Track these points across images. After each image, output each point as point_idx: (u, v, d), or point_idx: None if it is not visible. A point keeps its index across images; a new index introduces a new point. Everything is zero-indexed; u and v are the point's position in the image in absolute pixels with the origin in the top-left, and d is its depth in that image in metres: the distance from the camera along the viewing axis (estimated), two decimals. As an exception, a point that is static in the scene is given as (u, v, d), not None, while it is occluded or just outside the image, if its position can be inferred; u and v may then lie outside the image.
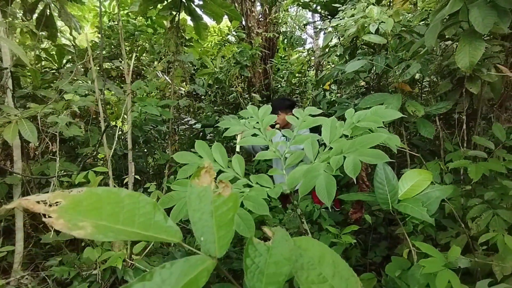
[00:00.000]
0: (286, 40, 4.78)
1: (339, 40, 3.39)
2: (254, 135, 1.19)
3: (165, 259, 2.31)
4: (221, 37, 4.63)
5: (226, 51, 4.35)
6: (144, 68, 4.75)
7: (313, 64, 7.16)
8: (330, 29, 4.18)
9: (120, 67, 4.38)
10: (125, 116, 2.34)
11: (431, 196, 0.92)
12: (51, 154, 3.01)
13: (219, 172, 1.09)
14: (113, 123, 5.12)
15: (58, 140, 2.06)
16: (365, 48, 2.94)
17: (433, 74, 2.54)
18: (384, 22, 1.81)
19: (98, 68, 3.11)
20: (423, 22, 2.71)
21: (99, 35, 4.96)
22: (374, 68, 2.69)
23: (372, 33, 1.92)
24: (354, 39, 2.70)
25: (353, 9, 2.48)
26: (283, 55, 5.91)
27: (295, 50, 5.91)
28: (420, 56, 1.78)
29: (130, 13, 4.36)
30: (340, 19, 2.22)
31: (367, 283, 1.56)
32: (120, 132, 4.42)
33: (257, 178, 1.05)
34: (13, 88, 1.66)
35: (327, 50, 3.41)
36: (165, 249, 2.62)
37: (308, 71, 6.55)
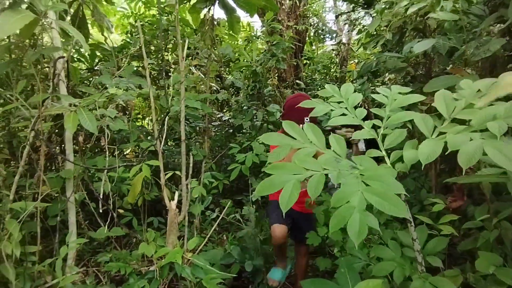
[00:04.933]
0: (316, 32, 4.65)
1: (375, 27, 3.23)
2: (343, 114, 1.08)
3: (206, 255, 2.22)
4: (249, 32, 4.55)
5: (253, 46, 4.26)
6: (173, 66, 4.72)
7: (337, 59, 6.99)
8: (363, 20, 4.02)
9: (148, 66, 4.36)
10: (167, 110, 2.27)
11: None
12: (97, 150, 2.99)
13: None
14: (139, 123, 5.12)
15: (106, 133, 2.01)
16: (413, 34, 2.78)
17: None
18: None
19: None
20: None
21: (128, 35, 4.98)
22: (427, 52, 2.52)
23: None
24: (403, 24, 2.55)
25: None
26: (309, 50, 5.78)
27: (321, 44, 5.77)
28: (501, 31, 1.62)
29: (159, 10, 4.34)
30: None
31: (452, 280, 1.41)
32: (151, 130, 4.40)
33: (359, 160, 0.93)
34: (68, 78, 1.61)
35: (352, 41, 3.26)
36: (209, 246, 2.54)
37: (334, 65, 6.39)
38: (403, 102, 1.07)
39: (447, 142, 0.71)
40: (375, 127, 1.10)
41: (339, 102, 1.16)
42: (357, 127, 1.19)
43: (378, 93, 1.18)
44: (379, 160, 1.00)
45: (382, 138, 1.03)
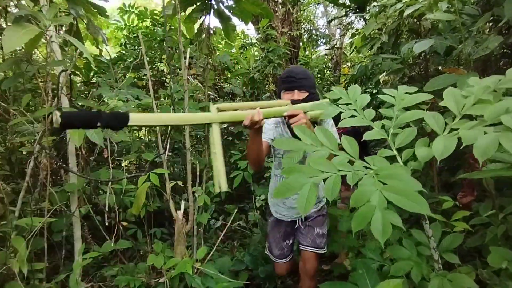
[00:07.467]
0: (310, 37, 4.71)
1: (371, 30, 3.29)
2: (352, 116, 1.09)
3: (215, 264, 2.20)
4: (244, 40, 4.59)
5: (249, 54, 4.30)
6: (168, 76, 4.73)
7: (330, 63, 7.07)
8: (354, 24, 4.08)
9: (144, 77, 4.37)
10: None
11: None
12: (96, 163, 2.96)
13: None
14: (137, 134, 5.08)
15: (109, 146, 1.99)
16: (406, 36, 2.84)
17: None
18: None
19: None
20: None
21: (122, 47, 4.99)
22: (424, 52, 2.57)
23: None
24: (398, 25, 2.60)
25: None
26: (304, 56, 5.85)
27: (314, 48, 5.83)
28: (497, 29, 1.66)
29: (155, 20, 4.38)
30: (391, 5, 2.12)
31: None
32: (149, 140, 4.38)
33: (372, 160, 0.93)
34: (71, 92, 1.61)
35: (344, 45, 3.31)
36: (214, 255, 2.51)
37: (327, 69, 6.45)
38: (411, 101, 1.09)
39: (460, 138, 0.72)
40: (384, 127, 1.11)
41: (347, 104, 1.17)
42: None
43: (378, 94, 1.20)
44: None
45: (393, 138, 1.03)
